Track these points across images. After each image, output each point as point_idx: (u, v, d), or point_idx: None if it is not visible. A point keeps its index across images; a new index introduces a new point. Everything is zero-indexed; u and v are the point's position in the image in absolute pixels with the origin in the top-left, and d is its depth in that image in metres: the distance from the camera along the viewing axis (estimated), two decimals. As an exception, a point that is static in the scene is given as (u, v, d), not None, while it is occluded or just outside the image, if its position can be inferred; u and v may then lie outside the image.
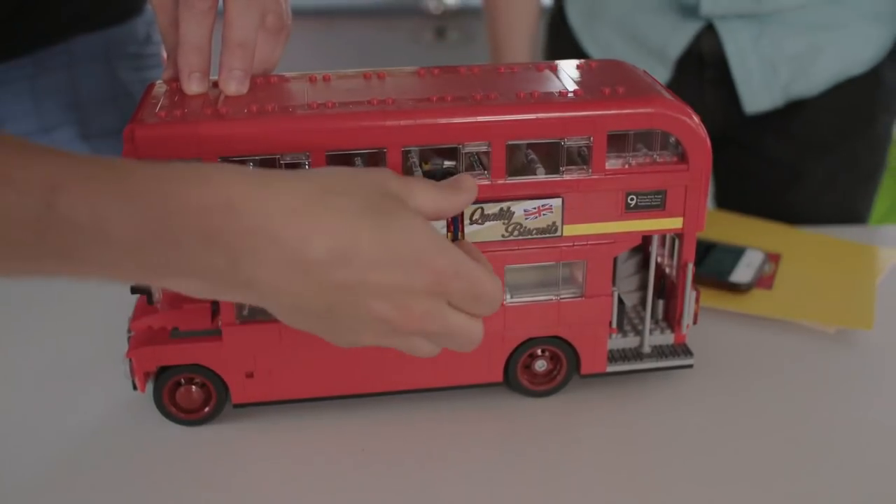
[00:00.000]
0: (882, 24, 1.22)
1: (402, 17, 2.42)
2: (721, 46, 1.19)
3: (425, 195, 0.63)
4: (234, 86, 0.73)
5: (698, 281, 0.90)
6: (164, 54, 0.81)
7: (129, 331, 0.76)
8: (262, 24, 0.75)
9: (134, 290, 0.71)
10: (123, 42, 1.14)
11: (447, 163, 0.73)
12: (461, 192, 0.66)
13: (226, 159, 0.69)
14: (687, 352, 0.80)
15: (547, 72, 0.78)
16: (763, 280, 0.96)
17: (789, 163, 1.27)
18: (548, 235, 0.73)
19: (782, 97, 1.22)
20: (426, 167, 0.72)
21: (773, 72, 1.20)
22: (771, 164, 1.28)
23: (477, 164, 0.73)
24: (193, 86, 0.73)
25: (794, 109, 1.24)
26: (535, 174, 0.72)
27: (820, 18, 1.19)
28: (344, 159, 0.74)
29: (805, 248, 1.03)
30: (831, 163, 1.27)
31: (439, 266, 0.58)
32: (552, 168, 0.72)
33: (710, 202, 1.35)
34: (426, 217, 0.61)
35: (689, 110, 0.72)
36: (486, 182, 0.71)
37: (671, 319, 0.81)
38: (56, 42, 1.07)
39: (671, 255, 0.80)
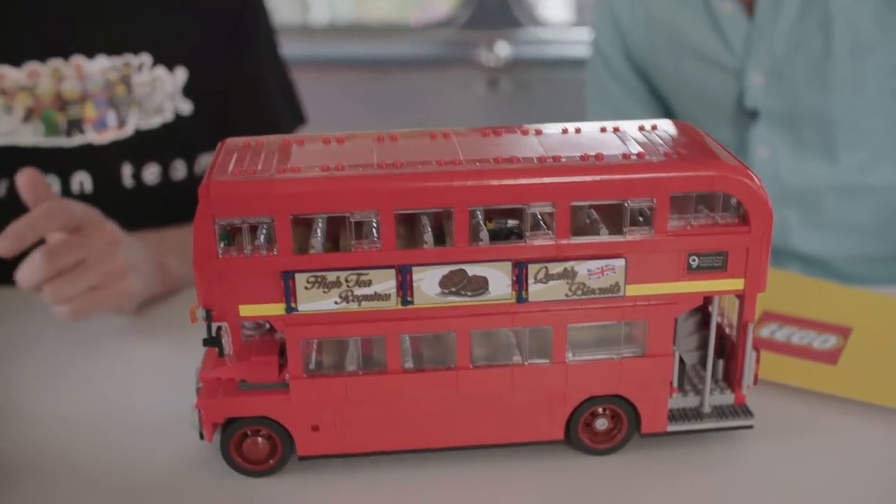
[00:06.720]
0: None
1: (454, 68, 2.45)
2: None
3: None
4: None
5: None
6: None
7: (197, 382, 0.77)
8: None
9: (206, 343, 0.73)
10: None
11: (511, 221, 0.74)
12: None
13: (297, 216, 0.71)
14: (747, 412, 0.80)
15: (610, 133, 0.79)
16: (828, 354, 0.92)
17: None
18: (610, 295, 0.74)
19: None
20: (490, 226, 0.74)
21: None
22: None
23: (541, 223, 0.74)
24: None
25: None
26: (598, 234, 0.73)
27: None
28: (411, 217, 0.76)
29: (879, 316, 0.99)
30: None
31: None
32: (615, 228, 0.73)
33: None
34: None
35: (751, 172, 0.73)
36: (551, 242, 0.72)
37: (731, 379, 0.80)
38: None
39: (729, 315, 0.81)
